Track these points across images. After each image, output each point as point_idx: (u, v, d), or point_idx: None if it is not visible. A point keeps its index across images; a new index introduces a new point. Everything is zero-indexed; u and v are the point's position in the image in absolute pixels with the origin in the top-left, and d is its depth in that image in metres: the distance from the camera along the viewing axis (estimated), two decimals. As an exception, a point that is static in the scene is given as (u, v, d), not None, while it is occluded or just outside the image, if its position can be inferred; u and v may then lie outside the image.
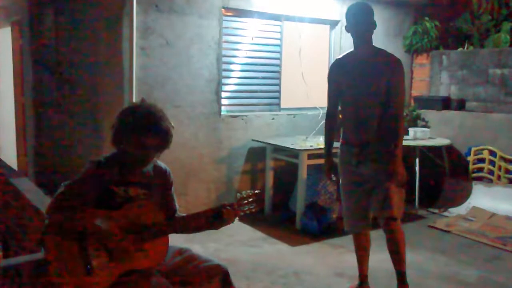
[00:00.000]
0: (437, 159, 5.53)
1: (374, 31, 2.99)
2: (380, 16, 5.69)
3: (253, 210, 2.18)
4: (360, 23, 2.93)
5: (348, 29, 3.01)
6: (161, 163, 2.28)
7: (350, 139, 3.06)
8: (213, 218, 2.13)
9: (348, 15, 3.00)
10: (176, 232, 2.20)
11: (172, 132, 2.13)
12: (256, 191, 2.20)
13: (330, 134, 3.23)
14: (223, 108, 4.99)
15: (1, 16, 6.20)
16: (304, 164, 4.60)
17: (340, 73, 3.06)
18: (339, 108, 3.20)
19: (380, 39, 3.14)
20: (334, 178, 3.23)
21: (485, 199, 5.15)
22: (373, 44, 3.00)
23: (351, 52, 3.07)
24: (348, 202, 3.15)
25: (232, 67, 5.09)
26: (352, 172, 3.08)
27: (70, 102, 4.72)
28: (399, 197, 2.98)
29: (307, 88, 5.51)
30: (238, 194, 2.18)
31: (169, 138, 2.12)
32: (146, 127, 2.04)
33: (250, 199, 2.17)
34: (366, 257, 3.26)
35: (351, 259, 3.50)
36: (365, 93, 2.95)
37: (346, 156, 3.09)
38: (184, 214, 2.29)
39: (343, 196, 3.18)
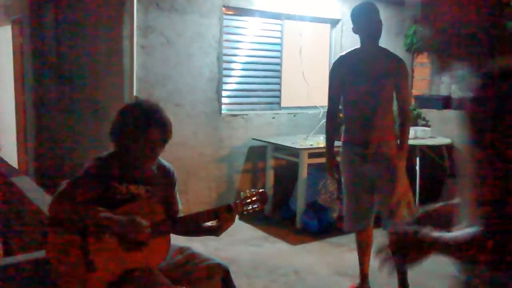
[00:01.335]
0: (437, 158, 5.53)
1: None
2: (381, 14, 5.65)
3: (257, 209, 2.17)
4: (374, 22, 2.96)
5: (356, 29, 3.00)
6: (165, 162, 2.27)
7: (353, 138, 3.06)
8: (212, 219, 2.12)
9: (359, 15, 2.99)
10: (176, 233, 2.20)
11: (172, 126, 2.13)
12: (260, 190, 2.19)
13: (331, 132, 3.22)
14: (223, 107, 4.99)
15: (1, 15, 6.20)
16: (304, 163, 4.60)
17: (344, 71, 3.05)
18: (340, 106, 3.20)
19: (381, 38, 3.15)
20: (336, 177, 3.23)
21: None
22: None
23: (356, 49, 3.07)
24: (351, 201, 3.15)
25: (232, 66, 5.09)
26: (354, 171, 3.08)
27: (71, 101, 4.72)
28: (406, 205, 3.01)
29: (308, 87, 5.51)
30: (242, 194, 2.17)
31: (171, 129, 2.10)
32: (149, 121, 2.03)
33: (254, 198, 2.16)
34: (368, 255, 3.25)
35: (352, 258, 3.50)
36: (368, 91, 2.95)
37: (349, 154, 3.09)
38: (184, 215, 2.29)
39: (345, 194, 3.18)
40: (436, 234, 1.09)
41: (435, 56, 1.14)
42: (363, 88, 2.97)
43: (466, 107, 0.97)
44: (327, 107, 3.25)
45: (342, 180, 3.19)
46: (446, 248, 1.07)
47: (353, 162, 3.06)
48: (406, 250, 1.14)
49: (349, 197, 3.16)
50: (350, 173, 3.11)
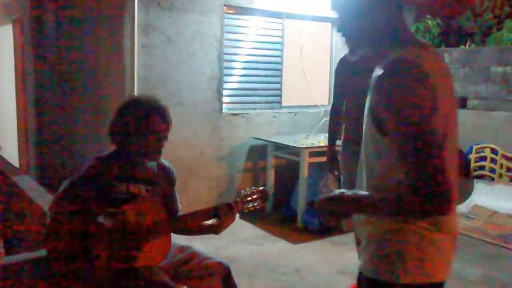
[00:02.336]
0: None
1: None
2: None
3: (258, 207, 2.16)
4: None
5: None
6: (165, 161, 2.27)
7: (350, 136, 3.07)
8: (212, 217, 2.11)
9: None
10: (176, 232, 2.19)
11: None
12: (261, 188, 2.18)
13: (333, 130, 3.23)
14: (224, 106, 4.99)
15: (2, 14, 6.20)
16: (305, 162, 4.60)
17: (345, 70, 3.06)
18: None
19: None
20: (337, 175, 3.23)
21: (486, 197, 5.14)
22: None
23: None
24: None
25: (233, 65, 5.09)
26: (351, 169, 3.07)
27: (71, 100, 4.72)
28: None
29: (309, 86, 5.51)
30: (242, 191, 2.16)
31: (170, 117, 2.12)
32: (150, 111, 2.05)
33: (255, 196, 2.15)
34: None
35: (353, 257, 3.48)
36: (366, 91, 2.94)
37: (346, 152, 3.10)
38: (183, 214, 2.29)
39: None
40: (351, 192, 1.29)
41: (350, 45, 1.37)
42: (359, 88, 2.96)
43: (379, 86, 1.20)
44: (331, 106, 3.27)
45: (341, 178, 3.20)
46: (365, 203, 1.25)
47: (349, 160, 3.06)
48: (331, 210, 1.33)
49: None
50: (347, 171, 3.11)
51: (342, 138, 3.17)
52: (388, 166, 1.22)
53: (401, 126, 1.14)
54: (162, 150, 2.13)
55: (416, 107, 1.12)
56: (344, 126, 3.18)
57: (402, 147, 1.14)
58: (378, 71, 1.21)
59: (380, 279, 1.27)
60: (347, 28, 1.34)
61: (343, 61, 3.15)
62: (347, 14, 1.33)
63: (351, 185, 3.09)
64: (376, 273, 1.29)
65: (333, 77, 3.23)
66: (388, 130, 1.17)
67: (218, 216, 2.10)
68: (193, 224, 2.15)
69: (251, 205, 2.14)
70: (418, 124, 1.11)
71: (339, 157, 3.19)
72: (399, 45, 1.26)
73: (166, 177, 2.25)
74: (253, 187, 2.19)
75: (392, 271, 1.25)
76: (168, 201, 2.25)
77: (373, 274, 1.30)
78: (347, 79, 3.05)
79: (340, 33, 1.36)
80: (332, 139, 3.24)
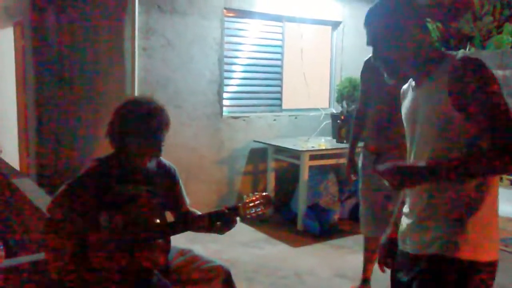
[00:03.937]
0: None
1: None
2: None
3: (260, 213, 2.12)
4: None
5: None
6: (165, 161, 2.26)
7: (370, 144, 3.05)
8: (215, 220, 2.10)
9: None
10: (177, 234, 2.19)
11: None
12: (264, 193, 2.15)
13: (356, 133, 3.22)
14: (224, 109, 4.99)
15: (3, 17, 6.22)
16: (305, 165, 4.59)
17: (370, 73, 3.00)
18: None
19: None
20: (354, 178, 3.22)
21: (487, 200, 5.13)
22: None
23: None
24: (364, 207, 3.15)
25: (233, 68, 5.10)
26: (369, 177, 3.05)
27: (72, 103, 4.72)
28: None
29: (309, 89, 5.51)
30: (245, 197, 2.12)
31: (168, 115, 2.10)
32: (148, 112, 2.03)
33: (257, 202, 2.11)
34: (373, 259, 3.24)
35: (353, 260, 3.50)
36: (388, 99, 2.86)
37: (365, 160, 3.09)
38: (192, 210, 2.29)
39: (361, 199, 3.19)
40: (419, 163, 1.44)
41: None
42: (383, 95, 2.89)
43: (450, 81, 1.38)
44: (356, 111, 3.23)
45: (359, 184, 3.18)
46: (439, 169, 1.40)
47: (367, 168, 3.04)
48: (402, 178, 1.42)
49: (363, 203, 3.16)
50: (365, 178, 3.10)
51: (364, 144, 3.14)
52: (460, 141, 1.42)
53: (489, 101, 1.35)
54: (163, 148, 2.10)
55: (496, 88, 1.37)
56: (366, 132, 3.13)
57: (490, 118, 1.35)
58: (444, 71, 1.40)
59: (460, 258, 1.48)
60: (386, 59, 1.52)
61: (364, 67, 3.07)
62: (381, 46, 1.51)
63: (367, 192, 3.09)
64: (451, 252, 1.48)
65: (360, 82, 3.17)
66: (474, 108, 1.36)
67: (219, 220, 2.09)
68: (192, 228, 2.15)
69: (253, 211, 2.09)
70: (501, 98, 1.36)
71: (359, 161, 3.18)
72: (443, 53, 1.47)
73: (167, 177, 2.24)
74: (256, 193, 2.15)
75: (474, 251, 1.49)
76: (173, 199, 2.24)
77: (448, 253, 1.49)
78: (370, 85, 3.00)
79: (380, 64, 1.54)
80: (353, 143, 3.23)
